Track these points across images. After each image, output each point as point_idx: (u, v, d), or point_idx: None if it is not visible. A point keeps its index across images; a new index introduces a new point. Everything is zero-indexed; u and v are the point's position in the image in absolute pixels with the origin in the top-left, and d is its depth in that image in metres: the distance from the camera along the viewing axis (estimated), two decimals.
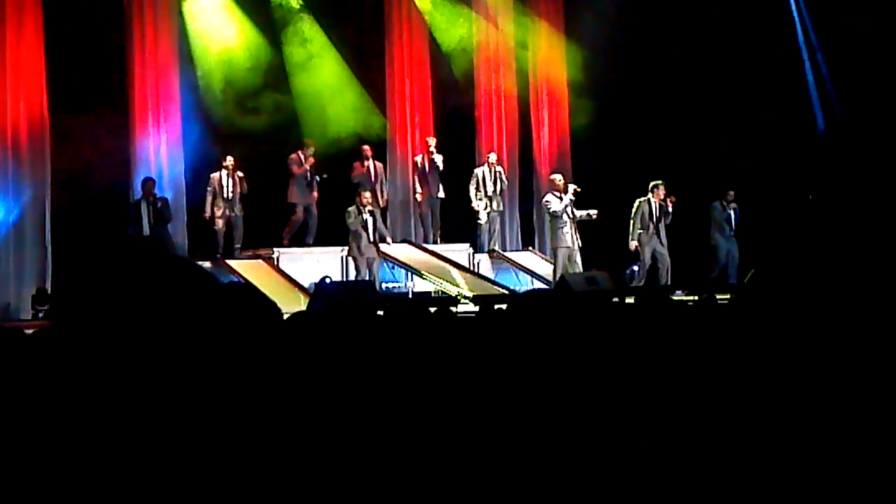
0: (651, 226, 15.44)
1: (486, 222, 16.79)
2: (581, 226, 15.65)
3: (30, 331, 4.08)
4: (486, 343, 2.91)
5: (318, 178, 16.06)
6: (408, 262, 15.74)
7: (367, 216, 15.01)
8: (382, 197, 16.51)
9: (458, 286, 14.96)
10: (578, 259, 15.45)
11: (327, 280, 14.09)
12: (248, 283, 10.91)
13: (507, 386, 2.62)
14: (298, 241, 16.09)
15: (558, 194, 15.49)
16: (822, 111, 18.07)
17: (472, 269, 16.26)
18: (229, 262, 15.11)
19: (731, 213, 16.18)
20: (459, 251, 16.52)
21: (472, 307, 13.35)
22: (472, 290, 14.67)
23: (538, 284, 16.20)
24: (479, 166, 17.14)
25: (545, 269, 16.31)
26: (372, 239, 15.00)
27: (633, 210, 15.52)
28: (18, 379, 1.96)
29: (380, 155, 17.10)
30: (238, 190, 15.49)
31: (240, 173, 15.49)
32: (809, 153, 17.36)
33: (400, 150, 17.51)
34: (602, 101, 17.62)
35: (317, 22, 17.33)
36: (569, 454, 2.40)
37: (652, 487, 2.41)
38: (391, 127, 17.58)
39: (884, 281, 3.14)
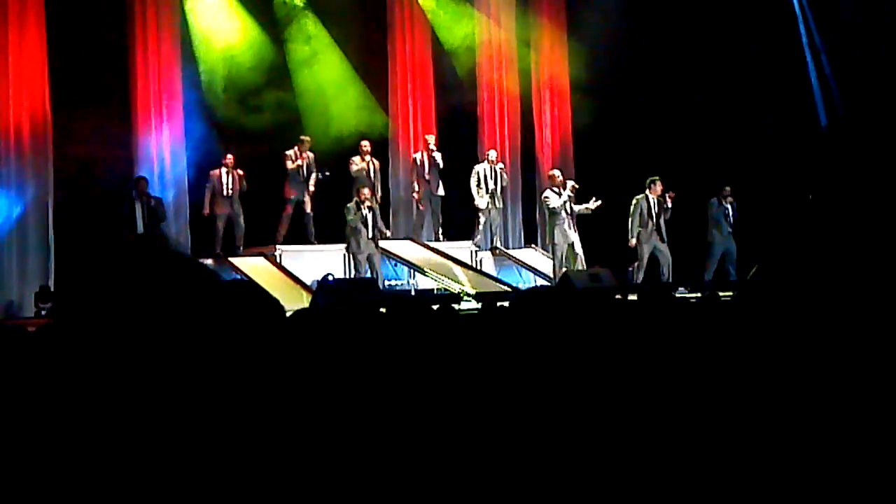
0: (650, 223, 15.38)
1: (485, 220, 16.78)
2: (585, 223, 15.64)
3: (33, 328, 4.08)
4: (489, 340, 2.91)
5: (321, 175, 16.04)
6: (410, 260, 15.75)
7: (366, 212, 15.02)
8: (377, 194, 16.50)
9: (460, 283, 14.95)
10: (581, 255, 15.42)
11: (330, 277, 14.08)
12: (250, 280, 10.94)
13: (510, 383, 2.61)
14: (300, 238, 16.07)
15: (557, 190, 15.47)
16: (824, 108, 18.04)
17: (474, 266, 16.25)
18: (231, 259, 15.12)
19: (729, 208, 16.08)
20: (462, 248, 16.52)
21: (474, 304, 13.36)
22: (474, 288, 14.66)
23: (541, 281, 16.21)
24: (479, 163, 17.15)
25: (548, 266, 16.29)
26: (371, 235, 15.02)
27: (631, 208, 15.47)
28: (21, 377, 1.96)
29: (382, 153, 17.09)
30: (237, 187, 15.45)
31: (239, 171, 15.46)
32: (811, 150, 17.33)
33: (402, 148, 17.51)
34: (605, 99, 17.61)
35: (319, 20, 17.33)
36: (572, 451, 2.40)
37: (656, 485, 2.40)
38: (393, 125, 17.57)
39: (885, 278, 3.14)
